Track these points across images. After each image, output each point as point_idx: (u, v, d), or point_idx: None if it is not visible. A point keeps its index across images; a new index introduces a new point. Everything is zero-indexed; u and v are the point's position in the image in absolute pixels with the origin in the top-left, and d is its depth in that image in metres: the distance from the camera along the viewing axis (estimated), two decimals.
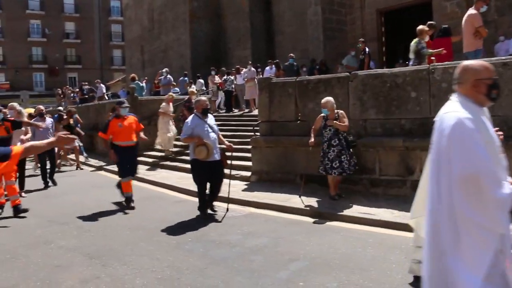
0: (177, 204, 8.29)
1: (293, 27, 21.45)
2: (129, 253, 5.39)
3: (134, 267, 4.90)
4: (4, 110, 8.41)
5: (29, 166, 11.77)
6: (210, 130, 7.00)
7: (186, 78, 20.45)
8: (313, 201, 7.36)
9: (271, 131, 9.30)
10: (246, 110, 16.06)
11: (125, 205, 7.90)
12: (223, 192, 7.33)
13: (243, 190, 8.61)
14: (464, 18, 8.23)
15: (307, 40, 19.45)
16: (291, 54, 16.57)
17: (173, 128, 13.08)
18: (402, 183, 7.29)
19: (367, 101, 7.81)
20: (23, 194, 9.05)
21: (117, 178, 11.36)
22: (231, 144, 7.47)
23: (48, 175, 10.64)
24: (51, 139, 3.15)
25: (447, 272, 2.43)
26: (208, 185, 7.14)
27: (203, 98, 7.78)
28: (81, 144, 14.75)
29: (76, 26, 50.02)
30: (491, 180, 2.32)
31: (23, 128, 8.88)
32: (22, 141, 8.74)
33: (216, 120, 7.72)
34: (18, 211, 7.51)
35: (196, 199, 7.35)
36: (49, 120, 10.90)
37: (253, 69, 16.41)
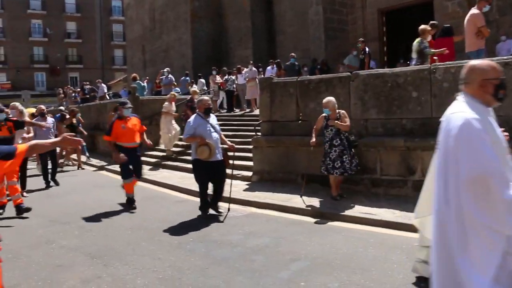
0: (178, 204, 8.30)
1: (295, 27, 21.45)
2: (131, 253, 5.40)
3: (135, 267, 4.91)
4: (7, 110, 8.41)
5: (33, 166, 11.78)
6: (212, 130, 6.96)
7: (187, 78, 20.46)
8: (314, 201, 7.36)
9: (272, 131, 9.30)
10: (247, 110, 16.05)
11: (127, 206, 7.88)
12: (224, 192, 7.33)
13: (244, 190, 8.61)
14: (466, 18, 8.22)
15: (309, 40, 19.45)
16: (293, 54, 16.56)
17: (176, 127, 13.03)
18: (403, 183, 7.28)
19: (368, 101, 7.81)
20: (24, 194, 9.06)
21: (118, 178, 11.39)
22: (233, 144, 7.46)
23: (50, 175, 10.65)
24: (56, 139, 3.14)
25: (456, 272, 2.42)
26: (210, 185, 7.11)
27: (206, 97, 7.75)
28: (84, 144, 14.75)
29: (77, 26, 50.08)
30: (499, 181, 2.30)
31: (25, 128, 8.89)
32: (24, 139, 8.76)
33: (217, 120, 7.70)
34: (20, 210, 7.51)
35: (198, 199, 7.35)
36: (50, 120, 10.92)
37: (254, 68, 16.40)
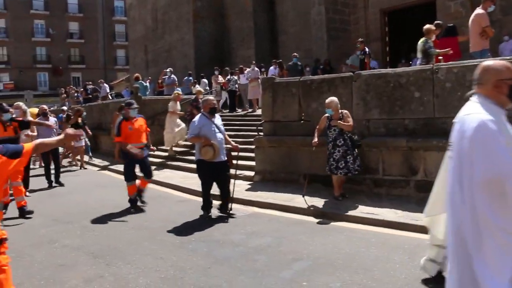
0: (180, 203, 8.30)
1: (297, 27, 21.45)
2: (133, 253, 5.41)
3: (137, 267, 4.92)
4: (11, 110, 8.43)
5: (34, 166, 11.80)
6: (217, 130, 6.91)
7: (190, 78, 20.48)
8: (316, 201, 7.36)
9: (274, 131, 9.30)
10: (250, 110, 16.05)
11: (130, 207, 7.87)
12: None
13: (246, 190, 8.61)
14: (471, 18, 8.19)
15: (311, 40, 19.44)
16: (295, 54, 16.55)
17: (182, 125, 12.93)
18: (406, 183, 7.28)
19: (371, 101, 7.80)
20: (27, 193, 9.07)
21: (121, 177, 11.41)
22: (238, 145, 7.43)
23: (54, 177, 10.64)
24: (60, 136, 3.15)
25: (472, 272, 2.40)
26: (215, 186, 7.05)
27: (211, 97, 7.71)
28: (88, 144, 14.76)
29: (80, 26, 50.14)
30: None
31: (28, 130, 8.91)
32: (28, 136, 8.79)
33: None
34: (23, 213, 7.52)
35: (200, 199, 7.35)
36: (52, 120, 10.94)
37: (256, 69, 16.38)
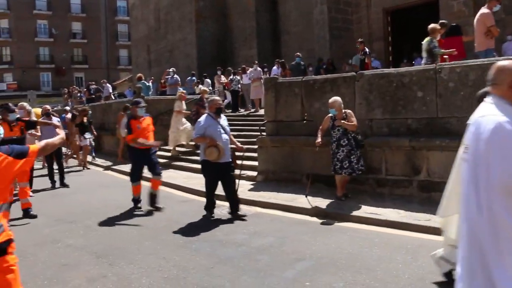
0: (183, 203, 8.31)
1: (299, 27, 21.46)
2: (136, 252, 5.42)
3: (140, 266, 4.92)
4: (17, 110, 8.45)
5: (38, 166, 11.83)
6: (222, 131, 6.87)
7: (194, 78, 20.50)
8: (319, 201, 7.35)
9: (277, 131, 9.30)
10: (252, 110, 16.05)
11: (133, 206, 7.88)
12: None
13: (249, 190, 8.61)
14: (476, 17, 8.17)
15: (313, 40, 19.45)
16: (298, 53, 16.53)
17: (187, 124, 12.91)
18: (409, 183, 7.26)
19: (373, 101, 7.79)
20: (31, 193, 9.10)
21: (124, 177, 11.43)
22: (243, 146, 7.41)
23: (59, 179, 10.65)
24: (61, 135, 3.21)
25: (489, 276, 2.36)
26: (220, 187, 7.01)
27: (217, 97, 7.67)
28: (93, 144, 14.77)
29: (82, 26, 50.29)
30: None
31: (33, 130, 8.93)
32: (31, 135, 8.81)
33: None
34: (27, 215, 7.53)
35: (202, 199, 7.36)
36: (55, 120, 10.96)
37: (259, 68, 16.38)
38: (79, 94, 25.13)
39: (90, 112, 14.89)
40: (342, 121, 7.08)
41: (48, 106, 11.31)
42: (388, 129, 7.64)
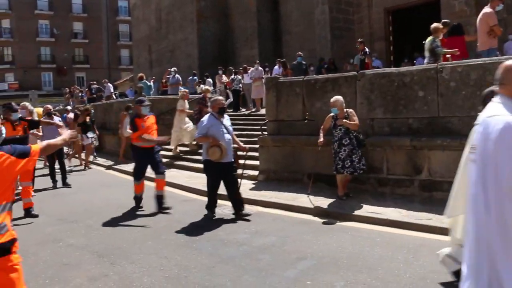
0: (185, 203, 8.32)
1: (301, 27, 21.45)
2: (137, 252, 5.43)
3: (142, 266, 4.93)
4: (19, 110, 8.46)
5: (39, 165, 11.83)
6: (225, 131, 6.86)
7: (195, 78, 20.50)
8: (320, 200, 7.35)
9: (278, 130, 9.30)
10: (253, 110, 16.05)
11: (135, 205, 7.88)
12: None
13: (250, 189, 8.62)
14: (479, 17, 8.15)
15: (315, 40, 19.44)
16: (299, 53, 16.53)
17: (189, 123, 12.90)
18: (410, 182, 7.26)
19: (375, 100, 7.79)
20: (32, 193, 9.10)
21: (125, 177, 11.45)
22: (246, 146, 7.41)
23: (61, 179, 10.66)
24: (63, 136, 3.21)
25: (497, 275, 2.36)
26: (223, 187, 6.99)
27: (220, 97, 7.66)
28: (96, 144, 14.77)
29: (84, 26, 50.32)
30: None
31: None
32: (33, 134, 8.82)
33: None
34: (28, 214, 7.54)
35: (204, 198, 7.36)
36: (56, 119, 10.97)
37: (260, 68, 16.37)
38: (80, 94, 25.17)
39: (93, 111, 14.89)
40: (344, 120, 7.07)
41: (49, 106, 11.33)
42: (389, 128, 7.64)
